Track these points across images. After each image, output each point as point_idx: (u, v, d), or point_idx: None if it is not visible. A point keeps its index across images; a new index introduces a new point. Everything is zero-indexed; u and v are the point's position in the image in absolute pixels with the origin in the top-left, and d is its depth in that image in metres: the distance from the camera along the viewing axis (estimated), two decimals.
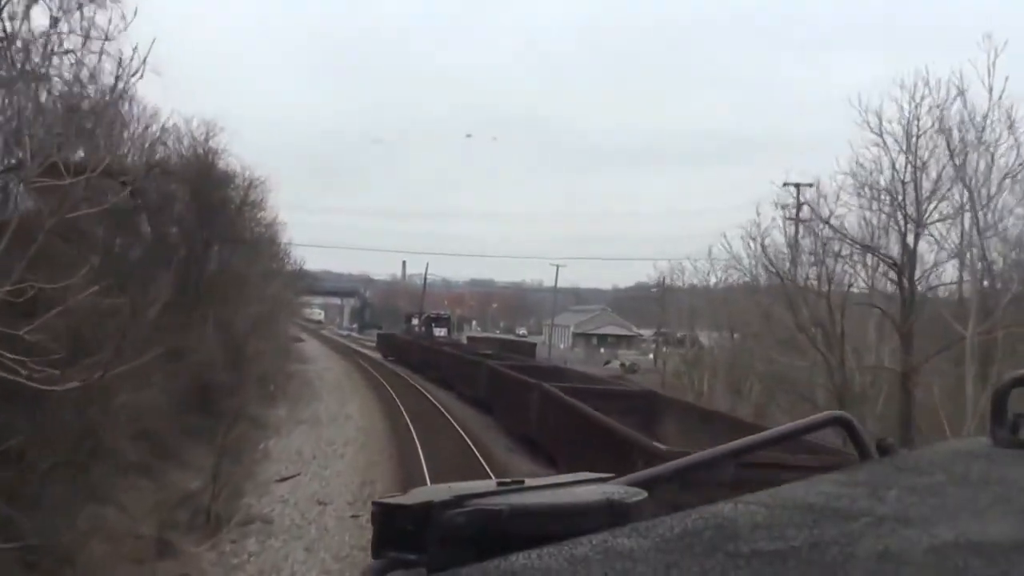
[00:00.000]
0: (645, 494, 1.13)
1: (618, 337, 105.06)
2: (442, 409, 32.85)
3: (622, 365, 75.36)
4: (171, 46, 17.61)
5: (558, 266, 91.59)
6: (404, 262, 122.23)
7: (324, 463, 23.37)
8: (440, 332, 77.54)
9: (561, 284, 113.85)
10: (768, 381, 32.12)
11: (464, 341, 72.82)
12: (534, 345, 71.25)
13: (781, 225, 31.26)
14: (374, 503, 1.10)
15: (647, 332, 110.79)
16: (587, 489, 1.15)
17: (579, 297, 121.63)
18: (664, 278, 48.06)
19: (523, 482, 1.15)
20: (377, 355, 68.75)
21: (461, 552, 1.00)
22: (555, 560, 0.89)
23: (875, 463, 1.34)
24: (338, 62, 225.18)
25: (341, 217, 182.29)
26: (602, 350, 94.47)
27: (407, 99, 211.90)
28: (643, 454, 12.54)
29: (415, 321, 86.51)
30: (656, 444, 13.87)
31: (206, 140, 28.62)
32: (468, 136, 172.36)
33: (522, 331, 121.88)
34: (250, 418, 28.30)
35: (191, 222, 27.58)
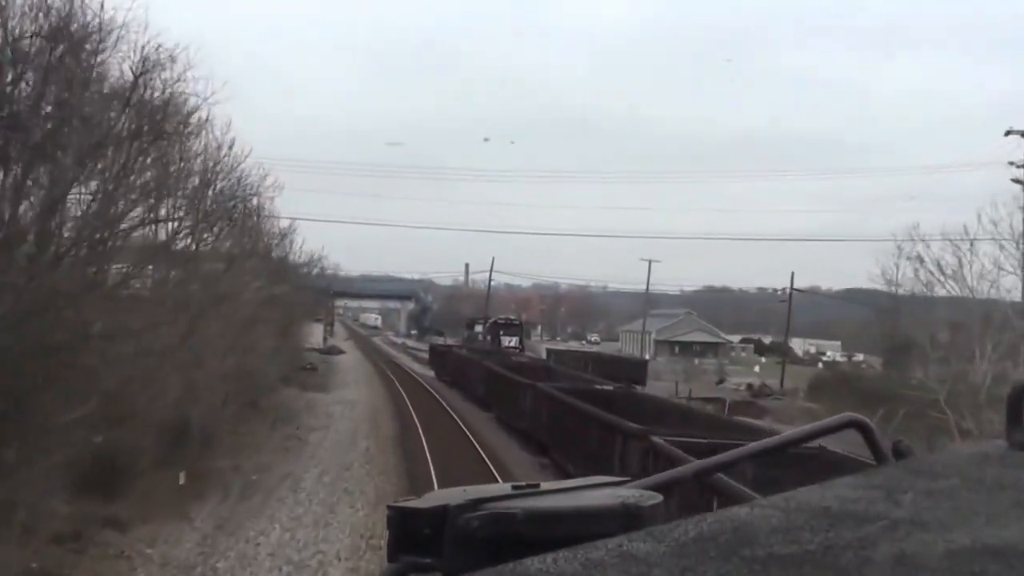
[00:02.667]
0: (660, 498, 1.11)
1: (705, 345, 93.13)
2: None
3: (749, 387, 54.14)
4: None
5: (651, 261, 78.50)
6: (467, 265, 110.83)
7: None
8: (509, 342, 62.82)
9: (629, 287, 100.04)
10: None
11: (543, 356, 56.13)
12: (645, 364, 50.88)
13: None
14: (389, 507, 1.09)
15: (734, 339, 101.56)
16: (602, 493, 1.13)
17: (650, 301, 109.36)
18: (908, 265, 29.46)
19: (539, 486, 1.13)
20: (430, 373, 51.91)
21: (476, 556, 0.99)
22: (570, 564, 0.88)
23: (891, 467, 1.32)
24: (379, 62, 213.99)
25: (398, 217, 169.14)
26: (697, 361, 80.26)
27: (467, 100, 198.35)
28: None
29: (479, 328, 72.21)
30: None
31: None
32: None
33: (594, 337, 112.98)
34: None
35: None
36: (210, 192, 23.22)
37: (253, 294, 25.00)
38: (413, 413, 31.32)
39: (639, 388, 34.86)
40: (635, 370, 45.40)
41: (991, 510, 1.04)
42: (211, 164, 23.01)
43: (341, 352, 67.44)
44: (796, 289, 61.32)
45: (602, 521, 1.03)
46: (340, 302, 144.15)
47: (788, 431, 1.46)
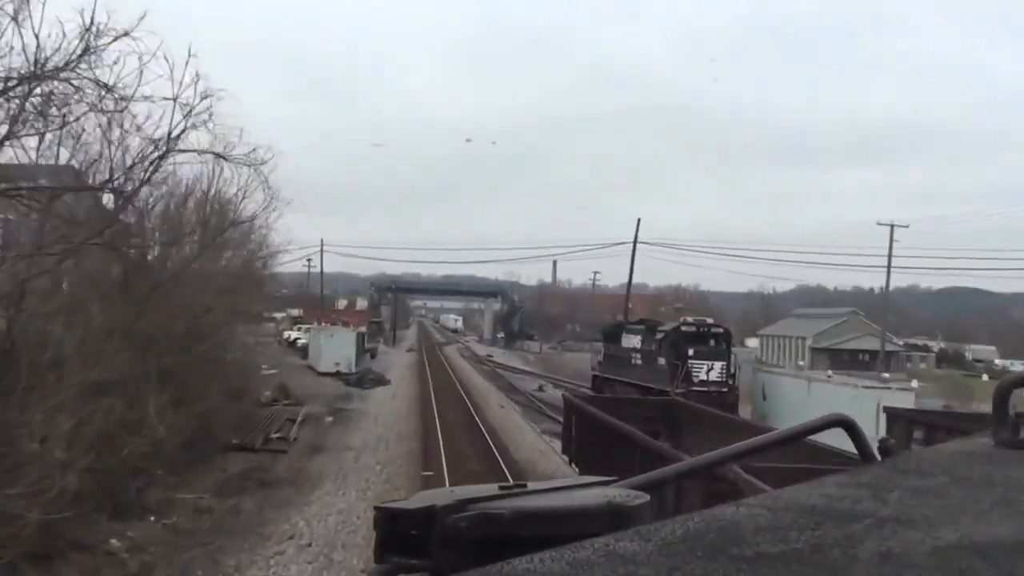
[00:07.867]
0: (647, 497, 1.12)
1: (873, 353, 69.54)
2: None
3: None
4: None
5: (892, 225, 52.90)
6: (555, 262, 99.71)
7: None
8: (708, 372, 32.78)
9: (723, 288, 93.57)
10: None
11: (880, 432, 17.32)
12: None
13: None
14: (377, 508, 1.10)
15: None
16: (589, 492, 1.14)
17: (765, 302, 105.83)
18: None
19: (526, 486, 1.14)
20: (558, 462, 22.68)
21: (464, 556, 1.00)
22: (557, 564, 0.89)
23: (877, 465, 1.32)
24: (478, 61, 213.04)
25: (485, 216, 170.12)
26: (885, 374, 58.05)
27: (549, 96, 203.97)
28: None
29: (630, 340, 37.78)
30: None
31: None
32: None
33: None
34: None
35: None
36: None
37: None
38: None
39: None
40: None
41: (978, 507, 1.04)
42: None
43: (382, 382, 42.69)
44: None
45: (589, 521, 1.04)
46: (418, 302, 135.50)
47: (774, 431, 1.41)
